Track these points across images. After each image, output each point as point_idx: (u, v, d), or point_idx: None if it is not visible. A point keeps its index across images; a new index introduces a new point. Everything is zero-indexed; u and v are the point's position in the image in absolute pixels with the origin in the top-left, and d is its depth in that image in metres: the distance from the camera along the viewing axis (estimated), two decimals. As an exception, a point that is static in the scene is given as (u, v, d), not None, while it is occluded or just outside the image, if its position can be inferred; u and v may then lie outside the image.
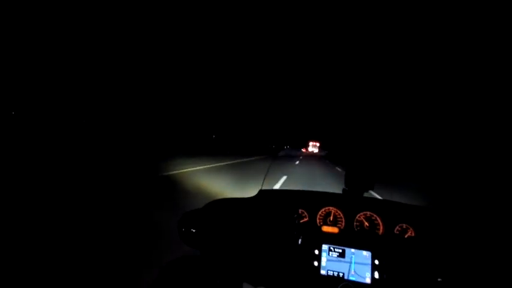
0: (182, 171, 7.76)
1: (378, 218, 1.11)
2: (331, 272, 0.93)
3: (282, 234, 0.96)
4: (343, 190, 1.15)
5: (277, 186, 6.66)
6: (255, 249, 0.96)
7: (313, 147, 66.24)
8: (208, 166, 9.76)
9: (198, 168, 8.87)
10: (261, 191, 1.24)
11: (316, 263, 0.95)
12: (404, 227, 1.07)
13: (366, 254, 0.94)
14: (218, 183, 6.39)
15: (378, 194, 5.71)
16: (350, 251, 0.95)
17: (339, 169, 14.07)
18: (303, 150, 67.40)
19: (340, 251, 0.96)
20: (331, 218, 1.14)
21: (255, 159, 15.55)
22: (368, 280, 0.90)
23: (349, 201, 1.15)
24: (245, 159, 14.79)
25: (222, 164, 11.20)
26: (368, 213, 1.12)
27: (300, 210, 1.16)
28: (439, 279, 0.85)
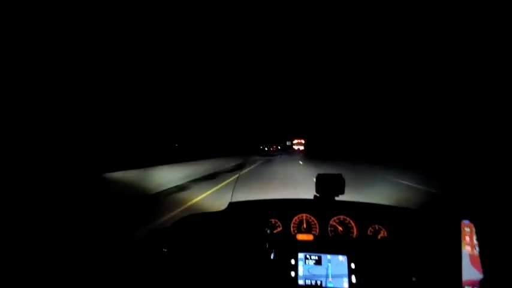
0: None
1: (351, 221, 1.11)
2: (309, 281, 0.92)
3: (255, 248, 0.94)
4: (315, 196, 1.15)
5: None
6: (229, 265, 0.94)
7: (298, 145, 67.73)
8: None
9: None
10: (230, 204, 1.21)
11: (293, 273, 0.93)
12: (377, 228, 1.08)
13: (342, 258, 0.94)
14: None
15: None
16: (326, 258, 0.95)
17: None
18: (272, 148, 65.09)
19: (317, 258, 0.95)
20: (305, 225, 1.13)
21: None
22: (346, 285, 0.90)
23: (321, 207, 1.15)
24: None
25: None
26: (341, 217, 1.12)
27: (273, 220, 1.14)
28: (413, 279, 0.86)
